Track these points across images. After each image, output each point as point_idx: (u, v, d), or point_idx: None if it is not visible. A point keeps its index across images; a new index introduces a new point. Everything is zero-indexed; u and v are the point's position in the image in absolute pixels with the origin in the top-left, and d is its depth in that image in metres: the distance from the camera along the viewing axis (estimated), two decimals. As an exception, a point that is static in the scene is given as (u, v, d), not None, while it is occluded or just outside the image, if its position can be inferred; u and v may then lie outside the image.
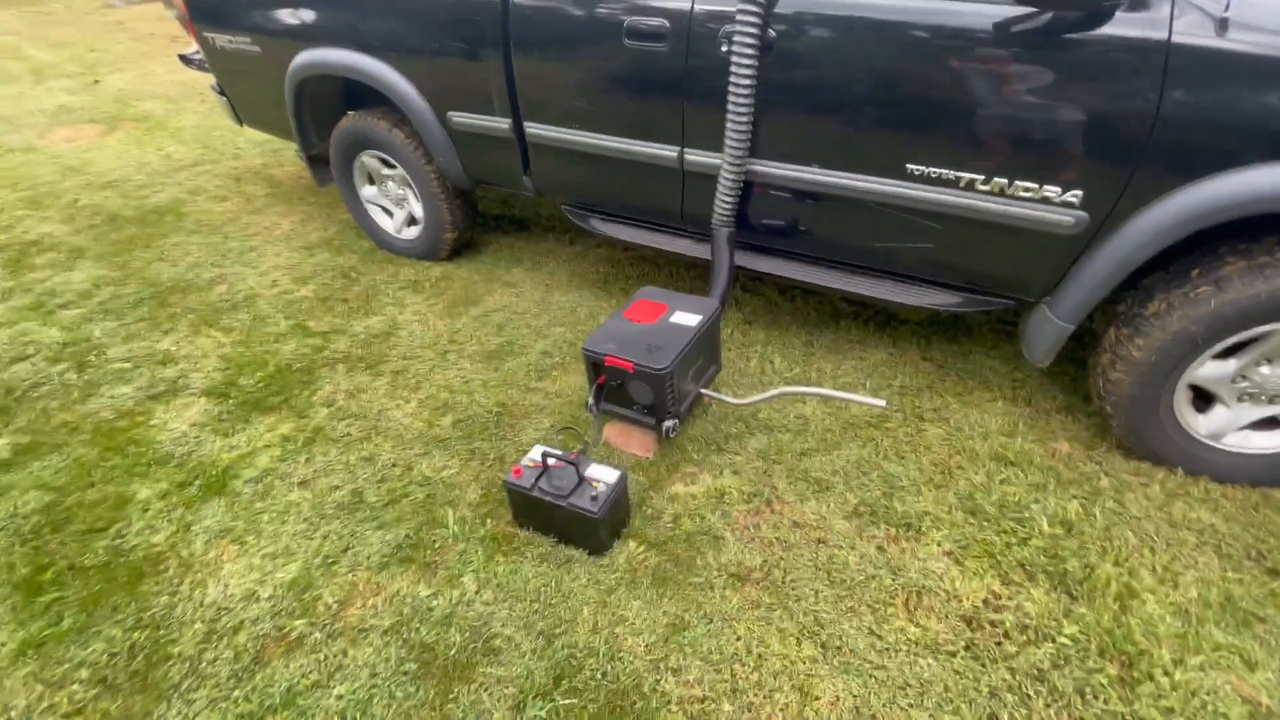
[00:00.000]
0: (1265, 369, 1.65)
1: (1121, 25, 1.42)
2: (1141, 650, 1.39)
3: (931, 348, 2.35)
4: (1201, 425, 1.76)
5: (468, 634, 1.46)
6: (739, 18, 1.71)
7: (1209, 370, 1.66)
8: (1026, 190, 1.63)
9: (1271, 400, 1.69)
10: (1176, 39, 1.38)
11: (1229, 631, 1.43)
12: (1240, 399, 1.71)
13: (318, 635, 1.48)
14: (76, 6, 11.74)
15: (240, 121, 3.44)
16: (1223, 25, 1.35)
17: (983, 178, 1.66)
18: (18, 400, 2.26)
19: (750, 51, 1.73)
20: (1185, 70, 1.39)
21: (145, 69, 7.22)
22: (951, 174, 1.69)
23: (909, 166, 1.73)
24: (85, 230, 3.49)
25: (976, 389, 2.14)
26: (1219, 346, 1.60)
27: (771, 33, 1.75)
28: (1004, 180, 1.64)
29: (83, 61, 7.78)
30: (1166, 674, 1.35)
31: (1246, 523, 1.67)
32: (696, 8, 1.84)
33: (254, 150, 4.67)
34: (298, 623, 1.50)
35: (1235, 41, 1.35)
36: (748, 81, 1.77)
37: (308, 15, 2.62)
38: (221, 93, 3.36)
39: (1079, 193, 1.58)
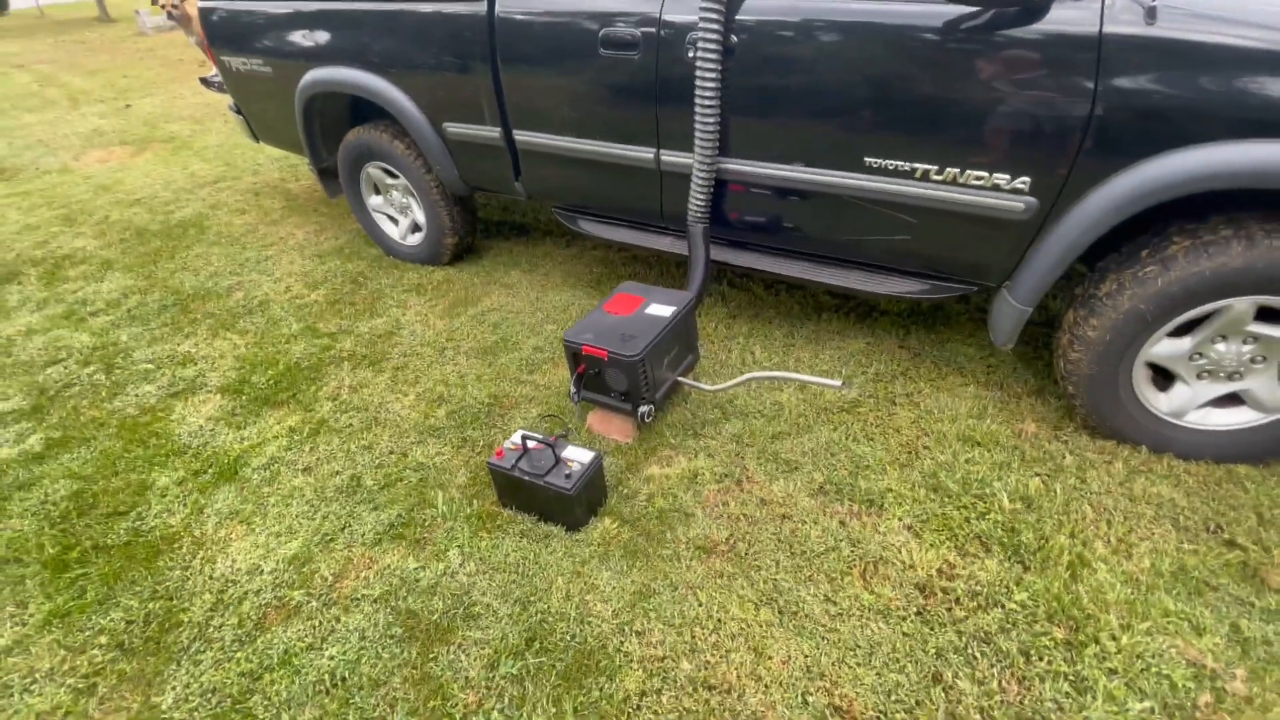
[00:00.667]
0: (1221, 346, 1.69)
1: (1056, 18, 1.50)
2: (1089, 615, 1.44)
3: (910, 336, 2.41)
4: (1163, 403, 1.80)
5: (450, 601, 1.57)
6: (701, 25, 1.82)
7: (1164, 348, 1.71)
8: (978, 179, 1.70)
9: (1230, 377, 1.73)
10: (1108, 29, 1.45)
11: (1179, 599, 1.48)
12: (1199, 376, 1.75)
13: (314, 604, 1.60)
14: (110, 36, 12.34)
15: (256, 138, 3.65)
16: (1151, 14, 1.42)
17: (936, 168, 1.74)
18: (51, 399, 2.45)
19: (713, 56, 1.84)
20: (1118, 59, 1.46)
21: (173, 93, 7.59)
22: (906, 165, 1.77)
23: (866, 160, 1.82)
24: (115, 244, 3.72)
25: (950, 374, 2.20)
26: (1171, 324, 1.65)
27: (733, 38, 1.85)
28: (956, 170, 1.72)
29: (115, 87, 8.19)
30: (1113, 638, 1.40)
31: (1207, 497, 1.71)
32: (664, 16, 1.96)
33: (273, 166, 4.90)
34: (296, 593, 1.63)
35: (1164, 29, 1.42)
36: (713, 84, 1.88)
37: (313, 37, 2.79)
38: (238, 112, 3.57)
39: (1027, 179, 1.65)
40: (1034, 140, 1.60)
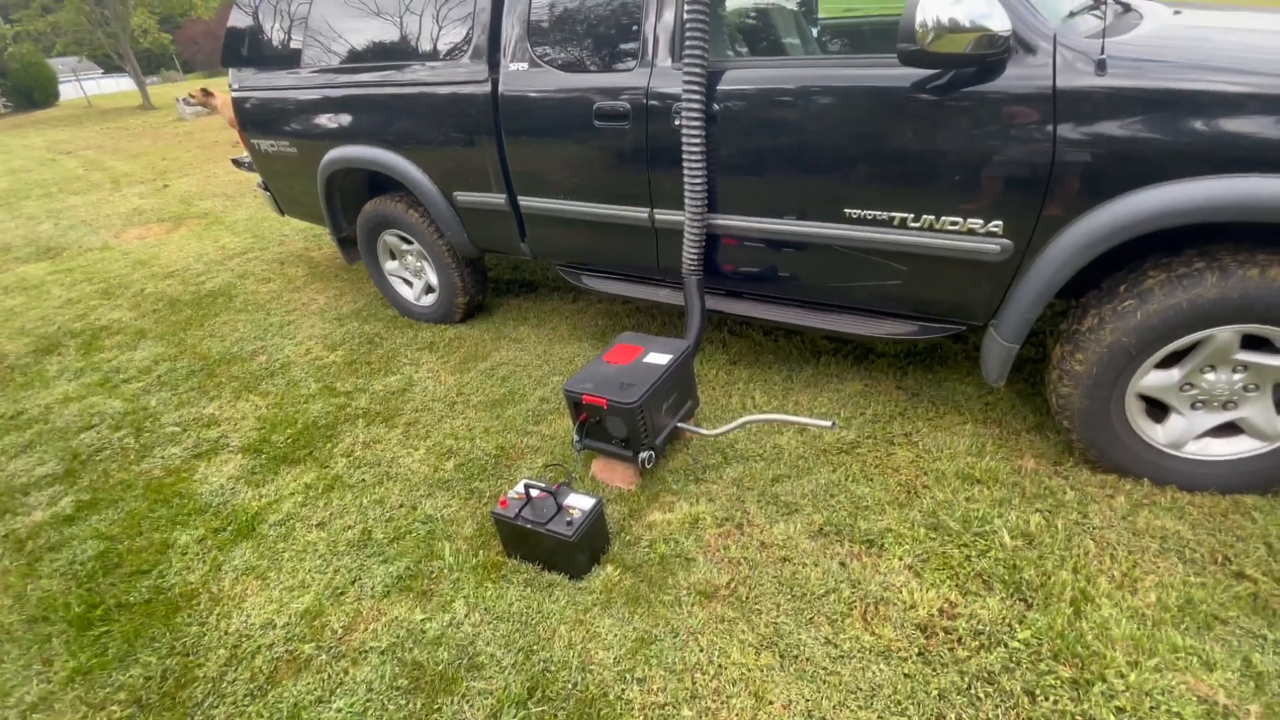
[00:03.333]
0: (1210, 375, 1.71)
1: (1013, 75, 1.61)
2: (1094, 653, 1.43)
3: (907, 377, 2.45)
4: (1160, 435, 1.81)
5: (455, 652, 1.59)
6: (685, 96, 1.96)
7: (1153, 380, 1.73)
8: (953, 224, 1.78)
9: (1224, 406, 1.74)
10: (1061, 83, 1.56)
11: (1188, 634, 1.45)
12: (1193, 406, 1.77)
13: (324, 657, 1.63)
14: (152, 122, 13.24)
15: (281, 212, 3.89)
16: (1101, 66, 1.52)
17: (912, 215, 1.83)
18: (83, 463, 2.57)
19: (697, 123, 1.98)
20: (1072, 109, 1.55)
21: (208, 172, 8.09)
22: (884, 214, 1.86)
23: (846, 210, 1.92)
24: (149, 315, 3.93)
25: (948, 414, 2.23)
26: (1156, 356, 1.68)
27: (714, 106, 2.00)
28: (931, 217, 1.80)
29: (155, 169, 8.74)
30: (1120, 675, 1.38)
31: (1213, 528, 1.70)
32: (652, 88, 2.11)
33: (297, 237, 5.18)
34: (307, 646, 1.67)
35: (1113, 79, 1.51)
36: (698, 149, 2.01)
37: (334, 120, 3.03)
38: (266, 189, 3.83)
39: (1000, 223, 1.73)
40: (1003, 187, 1.69)
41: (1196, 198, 1.44)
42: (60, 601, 1.92)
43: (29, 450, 2.69)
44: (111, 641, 1.77)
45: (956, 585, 1.62)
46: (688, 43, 1.94)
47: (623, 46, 2.20)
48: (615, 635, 1.59)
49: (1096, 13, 1.95)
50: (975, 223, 1.75)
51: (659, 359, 2.06)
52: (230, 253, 4.95)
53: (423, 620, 1.69)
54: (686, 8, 1.94)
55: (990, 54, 1.55)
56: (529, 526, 1.73)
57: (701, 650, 1.53)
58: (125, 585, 1.95)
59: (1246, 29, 1.86)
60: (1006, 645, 1.46)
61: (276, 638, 1.71)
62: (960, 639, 1.49)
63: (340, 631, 1.70)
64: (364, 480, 2.27)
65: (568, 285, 3.68)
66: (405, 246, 3.29)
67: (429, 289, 3.38)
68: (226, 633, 1.75)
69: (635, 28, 2.16)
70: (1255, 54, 1.48)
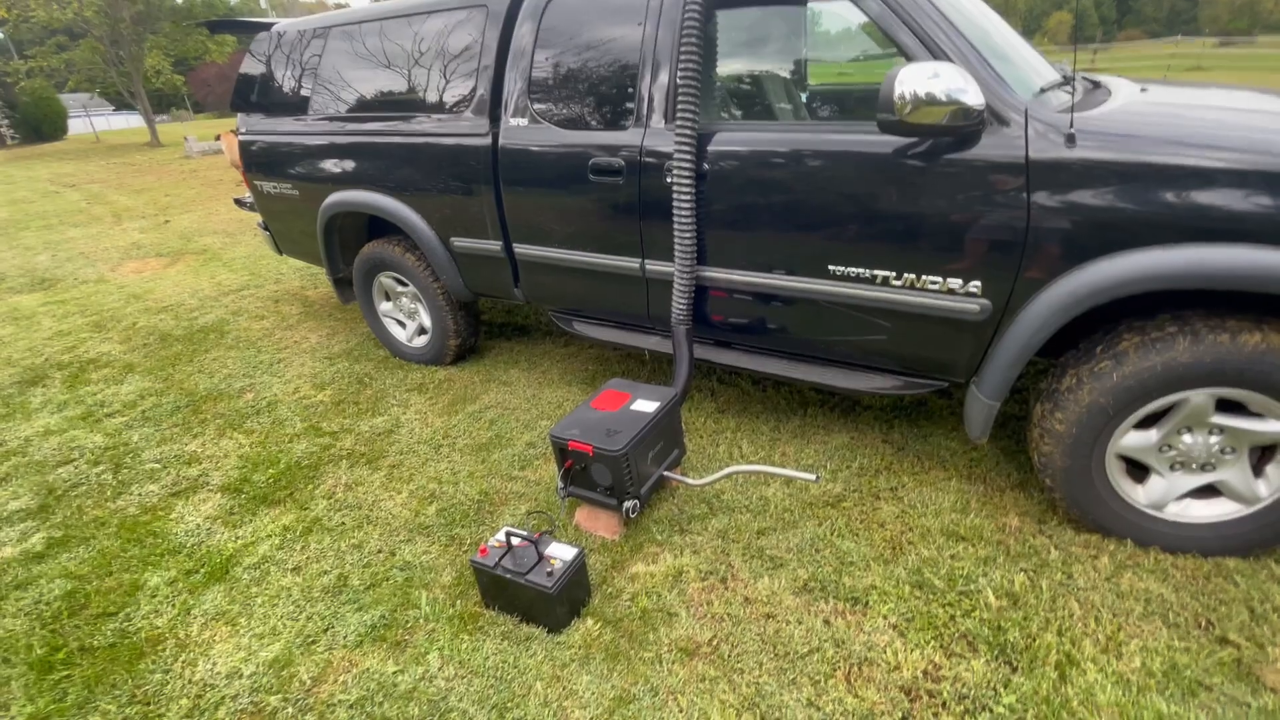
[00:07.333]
0: (1188, 438, 1.73)
1: (988, 144, 1.69)
2: None
3: (893, 431, 2.47)
4: (1141, 495, 1.82)
5: (426, 708, 1.54)
6: (676, 155, 2.04)
7: (1132, 440, 1.75)
8: (933, 283, 1.84)
9: (1202, 468, 1.76)
10: (1034, 155, 1.63)
11: (1173, 700, 1.43)
12: (1172, 468, 1.78)
13: (290, 710, 1.58)
14: (158, 158, 13.48)
15: (279, 251, 3.95)
16: (1070, 140, 1.60)
17: (894, 274, 1.88)
18: (58, 499, 2.52)
19: (687, 181, 2.05)
20: (1045, 178, 1.62)
21: (210, 209, 8.20)
22: (867, 272, 1.92)
23: (830, 267, 1.97)
24: (139, 349, 3.92)
25: (933, 469, 2.24)
26: (1134, 417, 1.71)
27: (704, 165, 2.07)
28: (912, 276, 1.86)
29: (157, 205, 8.86)
30: (1107, 744, 1.36)
31: (1196, 592, 1.69)
32: (646, 146, 2.20)
33: (294, 275, 5.22)
34: (273, 698, 1.61)
35: (1082, 152, 1.59)
36: (688, 204, 2.08)
37: (338, 166, 3.11)
38: (265, 228, 3.89)
39: (979, 283, 1.78)
40: (981, 249, 1.74)
41: (1163, 265, 1.50)
42: (22, 643, 1.85)
43: (3, 484, 2.64)
44: (71, 687, 1.70)
45: (941, 646, 1.59)
46: (680, 105, 2.03)
47: (619, 107, 2.29)
48: (592, 693, 1.54)
49: (1066, 89, 2.06)
50: (955, 282, 1.81)
51: (646, 406, 2.07)
52: (226, 289, 4.98)
53: (395, 673, 1.64)
54: (679, 72, 2.04)
55: (965, 125, 1.63)
56: (508, 576, 1.70)
57: (681, 711, 1.49)
58: (90, 627, 1.89)
59: (1208, 105, 1.97)
60: (991, 710, 1.43)
61: (242, 688, 1.65)
62: (944, 703, 1.46)
63: (309, 683, 1.65)
64: (343, 524, 2.23)
65: (559, 330, 3.71)
66: (400, 289, 3.33)
67: (422, 330, 3.40)
68: (190, 681, 1.69)
69: (631, 89, 2.25)
70: (1217, 130, 1.56)
